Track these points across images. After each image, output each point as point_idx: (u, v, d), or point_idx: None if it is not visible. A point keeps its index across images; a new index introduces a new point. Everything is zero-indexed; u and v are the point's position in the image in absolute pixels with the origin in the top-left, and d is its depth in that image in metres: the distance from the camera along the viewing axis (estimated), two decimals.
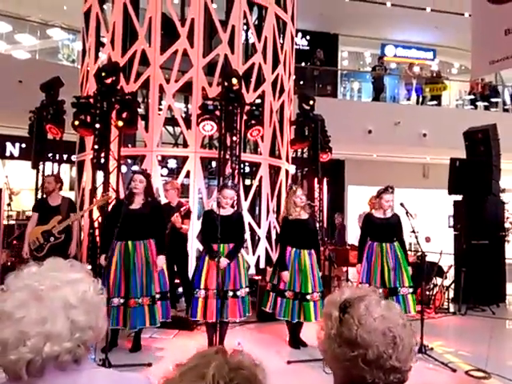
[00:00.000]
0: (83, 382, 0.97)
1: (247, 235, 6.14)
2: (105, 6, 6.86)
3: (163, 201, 5.93)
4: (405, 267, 4.67)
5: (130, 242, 4.05)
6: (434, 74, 12.41)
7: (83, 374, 0.98)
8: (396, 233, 4.76)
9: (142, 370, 3.64)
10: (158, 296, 4.10)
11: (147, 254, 4.09)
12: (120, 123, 5.29)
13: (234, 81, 5.74)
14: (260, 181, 6.62)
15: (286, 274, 4.30)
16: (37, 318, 0.91)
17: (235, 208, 4.57)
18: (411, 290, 4.64)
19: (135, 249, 4.06)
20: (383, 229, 4.71)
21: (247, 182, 7.46)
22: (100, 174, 5.50)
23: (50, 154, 6.44)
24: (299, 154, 7.58)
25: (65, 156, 8.31)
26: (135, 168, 6.70)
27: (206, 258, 4.10)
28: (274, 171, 7.01)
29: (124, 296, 3.98)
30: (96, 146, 5.42)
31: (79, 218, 5.44)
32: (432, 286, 6.16)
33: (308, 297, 4.28)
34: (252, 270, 6.21)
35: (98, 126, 5.35)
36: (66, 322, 0.94)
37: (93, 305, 0.99)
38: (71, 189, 7.46)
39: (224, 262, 3.99)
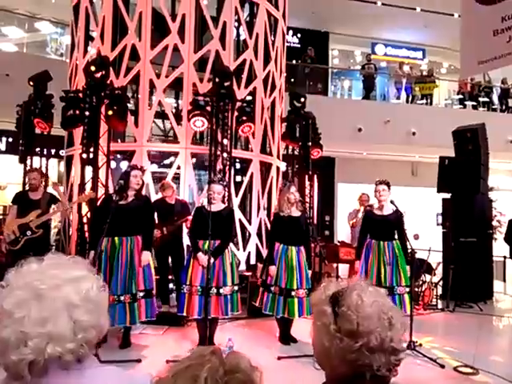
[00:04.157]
0: (86, 381, 0.94)
1: (238, 231, 6.12)
2: (94, 0, 6.77)
3: (153, 197, 5.88)
4: (402, 266, 4.62)
5: (116, 238, 3.99)
6: (426, 73, 12.47)
7: (86, 372, 0.95)
8: (395, 230, 4.67)
9: (131, 367, 3.61)
10: (141, 294, 4.00)
11: (133, 250, 4.01)
12: (110, 112, 5.23)
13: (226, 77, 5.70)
14: (251, 177, 6.60)
15: (273, 269, 4.34)
16: (37, 319, 0.88)
17: (226, 204, 4.56)
18: (408, 289, 4.60)
19: (121, 245, 4.00)
20: (381, 226, 4.67)
21: (238, 178, 7.44)
22: (89, 169, 5.43)
23: (37, 149, 6.34)
24: (290, 151, 7.57)
25: (53, 151, 8.19)
26: (125, 163, 6.64)
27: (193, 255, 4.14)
28: (265, 168, 7.01)
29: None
30: (85, 141, 5.35)
31: (62, 211, 5.22)
32: (421, 282, 6.22)
33: (292, 293, 4.30)
34: (242, 266, 6.20)
35: (86, 120, 5.28)
36: (68, 322, 0.90)
37: (96, 303, 0.96)
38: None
39: (204, 259, 3.98)
